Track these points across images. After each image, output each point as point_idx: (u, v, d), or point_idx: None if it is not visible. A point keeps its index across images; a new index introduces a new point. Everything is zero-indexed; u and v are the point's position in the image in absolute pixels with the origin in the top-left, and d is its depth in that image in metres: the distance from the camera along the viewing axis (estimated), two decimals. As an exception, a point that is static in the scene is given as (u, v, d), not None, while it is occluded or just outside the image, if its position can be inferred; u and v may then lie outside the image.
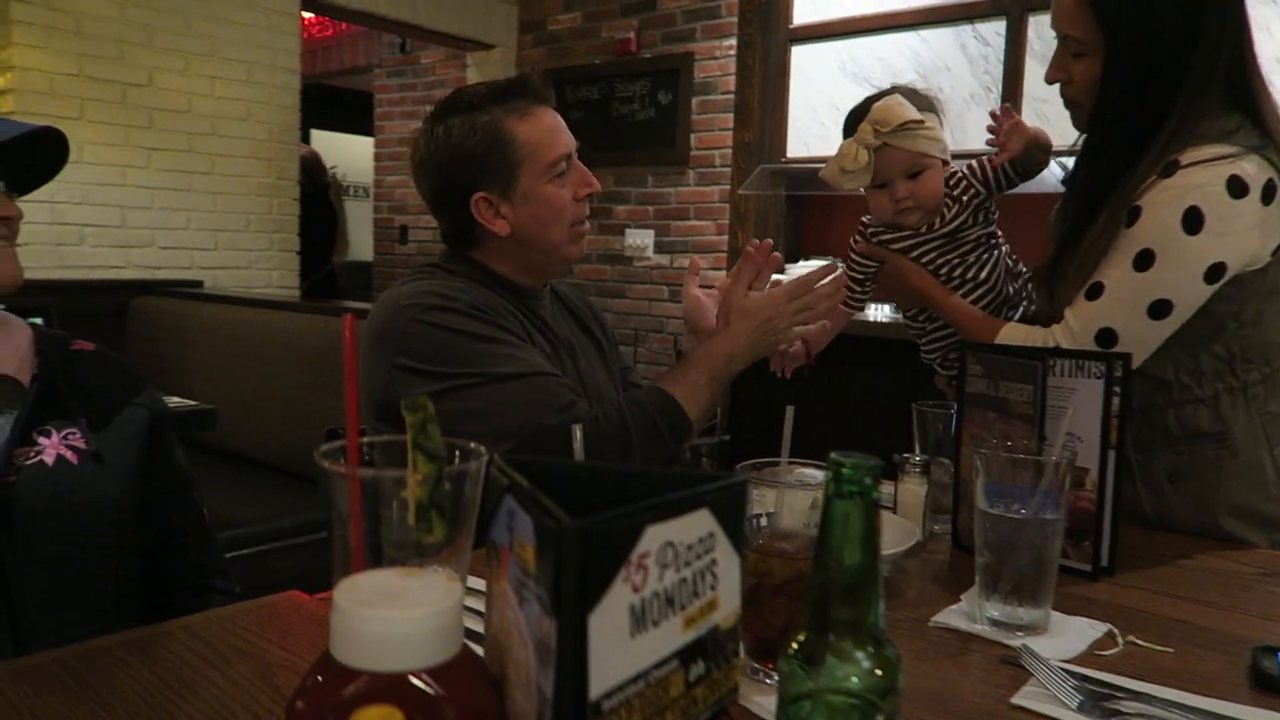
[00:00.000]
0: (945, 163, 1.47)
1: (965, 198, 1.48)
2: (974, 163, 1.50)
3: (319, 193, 4.95)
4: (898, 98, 1.44)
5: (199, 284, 3.91)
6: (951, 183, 1.48)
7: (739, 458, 4.36)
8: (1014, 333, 1.37)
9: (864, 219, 1.56)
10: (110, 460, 1.10)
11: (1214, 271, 1.21)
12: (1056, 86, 1.40)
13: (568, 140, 1.39)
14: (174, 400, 2.47)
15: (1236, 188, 1.19)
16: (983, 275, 1.48)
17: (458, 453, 0.57)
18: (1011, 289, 1.51)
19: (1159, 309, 1.23)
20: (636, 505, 0.45)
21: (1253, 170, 1.19)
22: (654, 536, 0.45)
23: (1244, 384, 1.28)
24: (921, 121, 1.42)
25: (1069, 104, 1.38)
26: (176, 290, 3.67)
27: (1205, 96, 1.24)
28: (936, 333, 1.56)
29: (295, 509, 2.57)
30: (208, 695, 0.75)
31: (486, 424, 1.23)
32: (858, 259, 1.57)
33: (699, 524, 0.48)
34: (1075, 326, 1.28)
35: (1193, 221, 1.19)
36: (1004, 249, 1.53)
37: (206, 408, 2.41)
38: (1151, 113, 1.26)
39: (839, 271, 1.44)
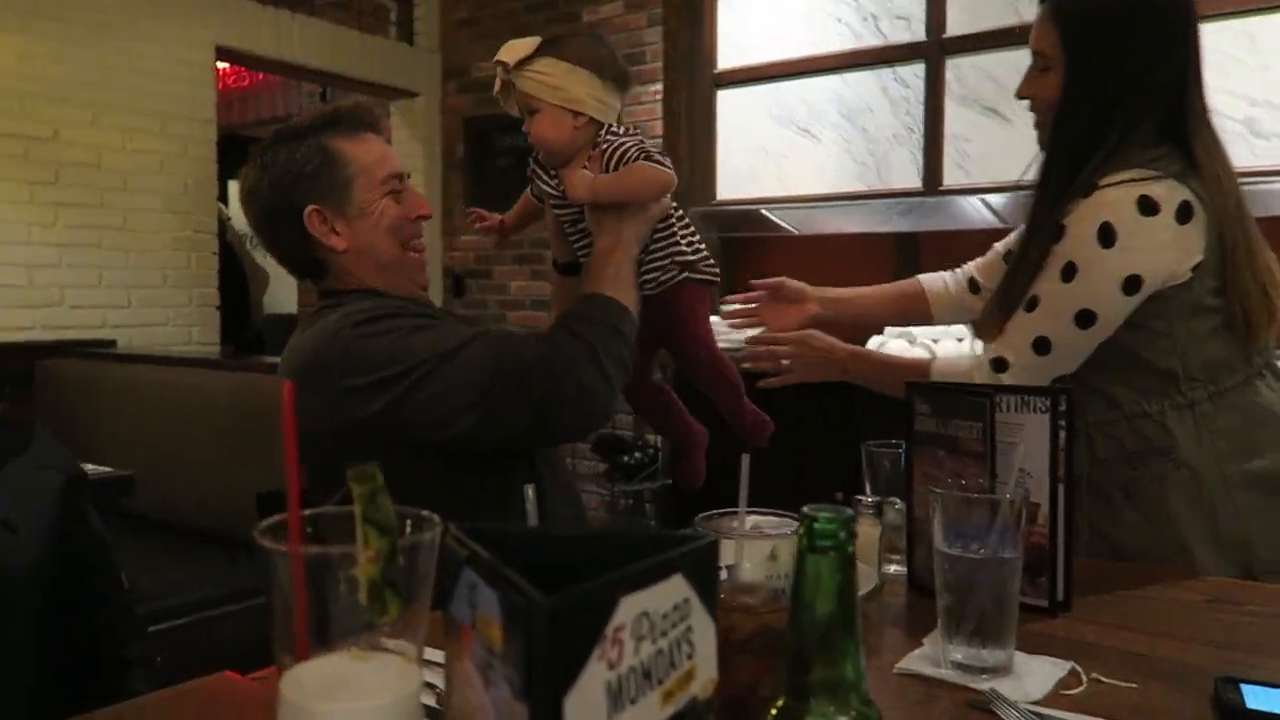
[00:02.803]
0: (579, 115, 1.42)
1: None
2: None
3: (223, 244, 4.78)
4: (526, 40, 1.44)
5: (112, 343, 3.77)
6: (610, 158, 1.43)
7: (683, 503, 4.33)
8: (950, 364, 1.43)
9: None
10: (22, 528, 1.04)
11: (1130, 283, 1.30)
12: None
13: (399, 163, 1.47)
14: (88, 467, 2.36)
15: (1147, 206, 1.29)
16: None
17: (409, 522, 0.54)
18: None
19: (1084, 318, 1.32)
20: (608, 576, 0.43)
21: (1162, 191, 1.29)
22: (629, 608, 0.43)
23: (1190, 401, 1.35)
24: (509, 65, 1.43)
25: (1036, 123, 1.50)
26: (88, 350, 3.54)
27: (1141, 126, 1.32)
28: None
29: (222, 577, 2.46)
30: (135, 796, 0.70)
31: (453, 400, 1.26)
32: (548, 195, 1.52)
33: (673, 590, 0.46)
34: (1016, 338, 1.37)
35: (1107, 236, 1.29)
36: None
37: (123, 474, 2.32)
38: (1092, 138, 1.35)
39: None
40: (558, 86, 1.42)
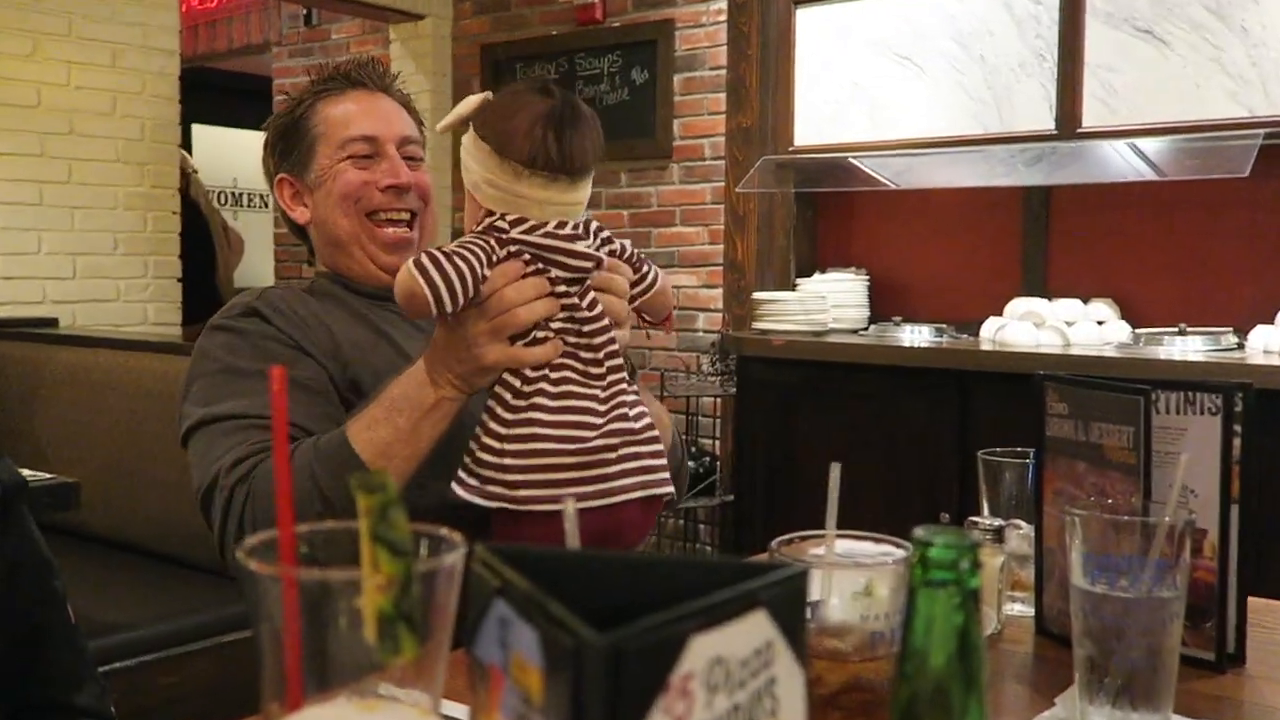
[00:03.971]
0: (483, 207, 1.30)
1: None
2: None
3: (186, 201, 4.86)
4: (472, 98, 1.32)
5: (53, 322, 3.86)
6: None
7: (746, 524, 4.31)
8: None
9: None
10: None
11: None
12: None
13: (377, 125, 1.54)
14: (24, 472, 2.41)
15: None
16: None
17: (426, 542, 0.55)
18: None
19: None
20: (675, 611, 0.43)
21: None
22: (700, 651, 0.43)
23: None
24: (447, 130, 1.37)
25: None
26: (24, 331, 3.62)
27: None
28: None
29: (185, 607, 2.51)
30: None
31: (192, 480, 1.38)
32: None
33: (754, 631, 0.46)
34: None
35: None
36: None
37: (67, 481, 2.36)
38: None
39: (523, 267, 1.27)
40: (465, 165, 1.32)
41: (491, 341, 1.24)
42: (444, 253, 1.22)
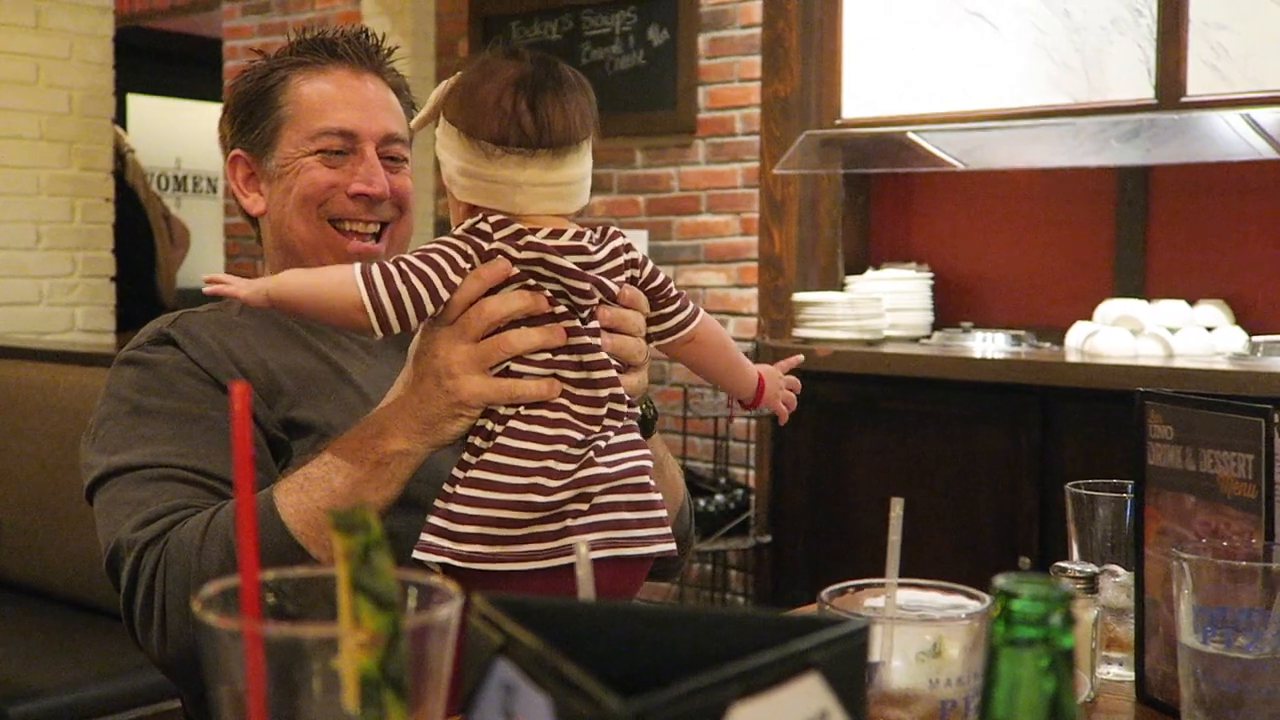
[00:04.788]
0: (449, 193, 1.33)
1: None
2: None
3: (121, 186, 4.87)
4: (443, 85, 1.33)
5: (-35, 330, 3.89)
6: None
7: (786, 570, 4.30)
8: None
9: None
10: None
11: None
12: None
13: (356, 117, 1.53)
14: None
15: None
16: None
17: (414, 592, 0.55)
18: None
19: None
20: (713, 674, 0.43)
21: None
22: (743, 722, 0.43)
23: None
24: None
25: None
26: (-69, 341, 3.65)
27: None
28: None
29: (121, 667, 2.52)
30: None
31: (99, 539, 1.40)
32: None
33: (805, 698, 0.46)
34: None
35: None
36: None
37: (-19, 519, 2.39)
38: None
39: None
40: (440, 157, 1.32)
41: (472, 370, 1.21)
42: (399, 266, 1.20)
